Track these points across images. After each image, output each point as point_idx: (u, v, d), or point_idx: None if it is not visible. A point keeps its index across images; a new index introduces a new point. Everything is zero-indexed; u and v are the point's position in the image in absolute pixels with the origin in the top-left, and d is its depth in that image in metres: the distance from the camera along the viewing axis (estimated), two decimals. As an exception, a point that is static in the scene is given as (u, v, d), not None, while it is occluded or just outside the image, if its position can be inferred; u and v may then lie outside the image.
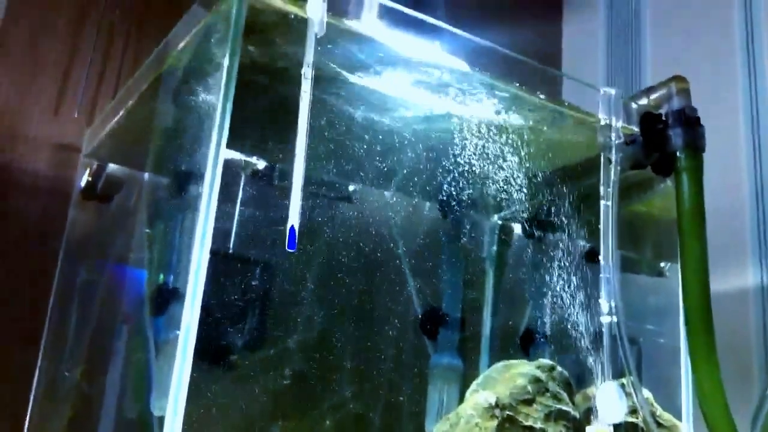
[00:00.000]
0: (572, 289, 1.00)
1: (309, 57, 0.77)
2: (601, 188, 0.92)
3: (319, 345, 1.12)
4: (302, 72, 0.76)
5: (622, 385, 0.87)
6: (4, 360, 1.19)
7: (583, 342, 0.94)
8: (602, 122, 0.96)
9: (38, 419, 1.16)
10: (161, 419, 0.65)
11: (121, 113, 1.12)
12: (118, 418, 1.06)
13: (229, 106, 0.73)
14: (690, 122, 0.91)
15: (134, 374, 1.04)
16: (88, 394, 1.13)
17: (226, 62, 0.74)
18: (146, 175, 1.23)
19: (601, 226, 0.91)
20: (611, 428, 0.86)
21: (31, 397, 1.18)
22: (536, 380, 0.93)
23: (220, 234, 1.06)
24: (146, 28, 1.44)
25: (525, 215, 1.23)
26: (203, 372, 1.00)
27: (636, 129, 0.95)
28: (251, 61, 0.87)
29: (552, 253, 1.06)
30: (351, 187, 1.20)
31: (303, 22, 0.79)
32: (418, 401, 1.15)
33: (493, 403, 0.88)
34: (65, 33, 1.36)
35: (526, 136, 1.04)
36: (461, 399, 0.99)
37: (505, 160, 1.06)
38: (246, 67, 0.81)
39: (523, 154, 1.06)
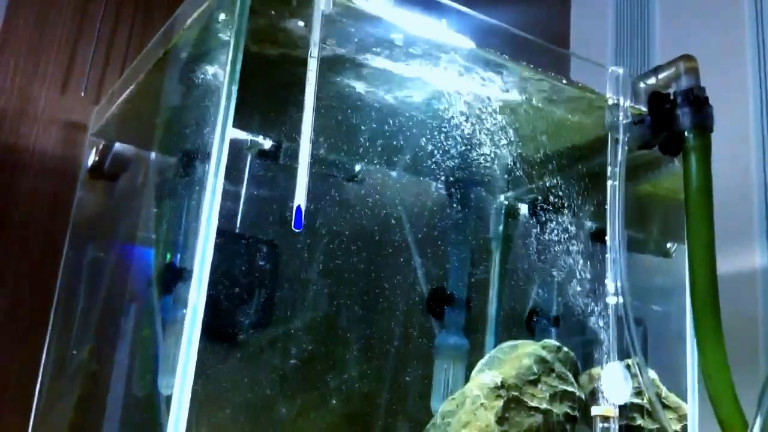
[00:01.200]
0: (578, 269, 1.00)
1: (315, 35, 0.77)
2: (609, 168, 0.92)
3: (325, 324, 1.12)
4: (309, 50, 0.76)
5: (628, 366, 0.87)
6: (12, 339, 1.20)
7: (588, 323, 0.94)
8: (610, 102, 0.95)
9: (47, 397, 1.17)
10: (168, 398, 0.65)
11: (127, 92, 1.12)
12: (126, 396, 1.06)
13: (236, 84, 0.73)
14: (698, 102, 0.91)
15: (142, 353, 1.04)
16: (96, 373, 1.13)
17: (232, 40, 0.74)
18: (153, 154, 1.23)
19: (608, 206, 0.90)
20: (617, 409, 0.86)
21: (39, 375, 1.18)
22: (542, 361, 0.94)
23: (227, 213, 1.06)
24: (153, 9, 1.43)
25: (531, 195, 1.23)
26: (210, 351, 1.00)
27: (644, 108, 0.94)
28: (258, 39, 0.87)
29: (558, 234, 1.06)
30: (357, 167, 1.20)
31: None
32: (423, 380, 1.15)
33: (499, 384, 0.88)
34: (72, 14, 1.36)
35: (531, 116, 1.04)
36: (467, 379, 0.99)
37: (512, 140, 1.05)
38: (253, 45, 0.80)
39: (529, 133, 1.05)
